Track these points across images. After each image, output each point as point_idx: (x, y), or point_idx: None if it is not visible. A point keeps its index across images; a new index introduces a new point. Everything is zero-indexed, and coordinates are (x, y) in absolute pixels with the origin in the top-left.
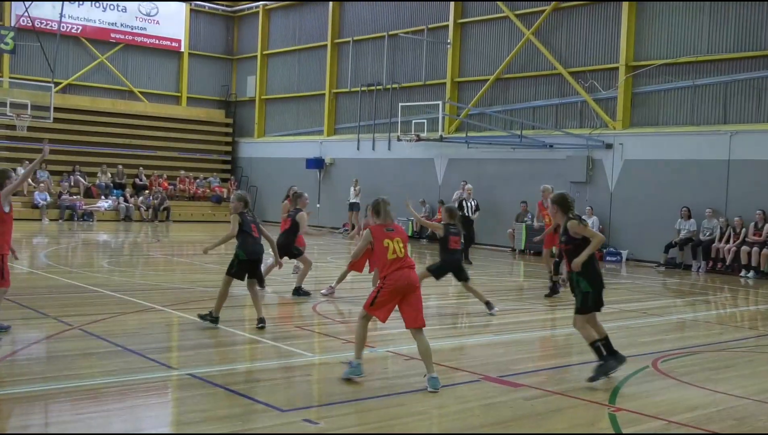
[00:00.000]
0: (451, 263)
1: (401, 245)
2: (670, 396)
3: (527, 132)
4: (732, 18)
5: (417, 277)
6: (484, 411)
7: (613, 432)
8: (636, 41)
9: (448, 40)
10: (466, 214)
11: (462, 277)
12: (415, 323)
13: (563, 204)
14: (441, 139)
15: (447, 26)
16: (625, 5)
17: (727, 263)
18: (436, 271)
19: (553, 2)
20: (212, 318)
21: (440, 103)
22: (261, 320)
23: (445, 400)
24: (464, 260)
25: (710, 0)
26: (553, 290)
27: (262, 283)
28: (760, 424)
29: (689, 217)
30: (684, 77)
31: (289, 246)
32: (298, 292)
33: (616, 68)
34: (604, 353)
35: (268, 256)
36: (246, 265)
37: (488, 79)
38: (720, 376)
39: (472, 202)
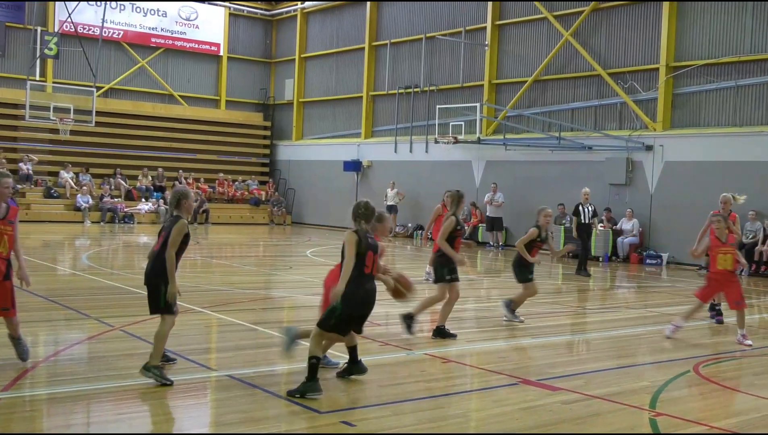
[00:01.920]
0: None
1: None
2: (712, 401)
3: (566, 134)
4: None
5: None
6: (524, 415)
7: None
8: (677, 41)
9: (486, 42)
10: (583, 221)
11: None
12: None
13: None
14: (479, 141)
15: (485, 28)
16: (665, 5)
17: None
18: None
19: (592, 3)
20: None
21: (478, 105)
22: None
23: (484, 403)
24: (581, 272)
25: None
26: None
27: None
28: None
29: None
30: (726, 77)
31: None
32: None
33: (657, 69)
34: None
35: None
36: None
37: (526, 81)
38: (763, 382)
39: (589, 208)
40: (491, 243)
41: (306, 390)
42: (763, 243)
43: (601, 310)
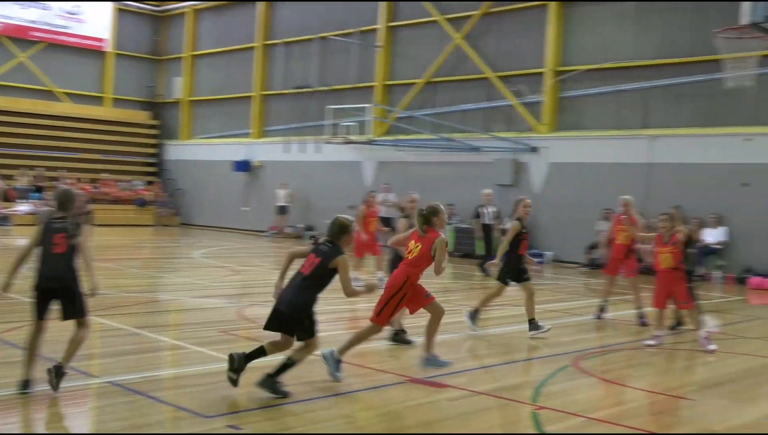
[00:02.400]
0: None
1: None
2: (590, 393)
3: (456, 135)
4: (654, 26)
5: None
6: (410, 413)
7: (536, 431)
8: (562, 46)
9: (378, 43)
10: (484, 222)
11: None
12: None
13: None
14: (370, 142)
15: (377, 29)
16: (552, 11)
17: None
18: None
19: (482, 6)
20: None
21: (369, 106)
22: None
23: (371, 402)
24: (484, 271)
25: (636, 0)
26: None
27: None
28: (673, 419)
29: (606, 220)
30: (607, 83)
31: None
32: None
33: (543, 73)
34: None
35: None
36: None
37: (417, 83)
38: (638, 373)
39: (489, 209)
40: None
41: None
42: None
43: (487, 307)
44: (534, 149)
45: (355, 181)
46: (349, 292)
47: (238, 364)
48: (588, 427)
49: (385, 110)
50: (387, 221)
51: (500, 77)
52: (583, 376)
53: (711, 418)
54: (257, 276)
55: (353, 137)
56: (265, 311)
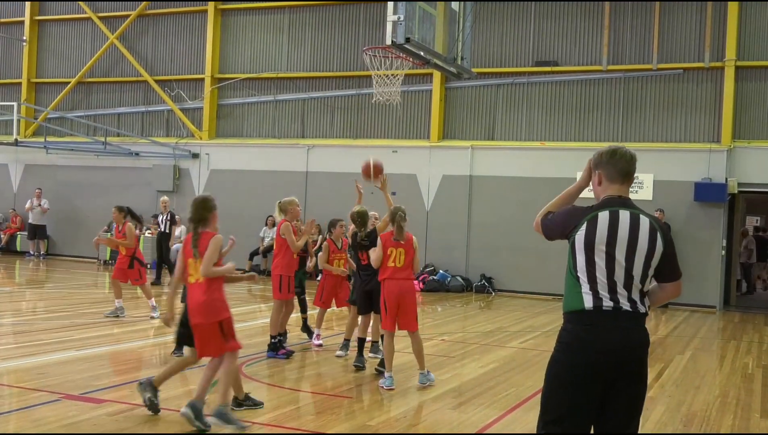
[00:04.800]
0: None
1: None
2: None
3: (112, 139)
4: (307, 40)
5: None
6: (66, 431)
7: None
8: (221, 54)
9: (24, 38)
10: (162, 230)
11: None
12: (410, 327)
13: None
14: (16, 143)
15: (22, 22)
16: (210, 18)
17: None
18: None
19: (139, 7)
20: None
21: (15, 104)
22: None
23: (22, 424)
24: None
25: (291, 3)
26: None
27: None
28: (333, 418)
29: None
30: (266, 92)
31: None
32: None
33: (203, 79)
34: None
35: None
36: None
37: (69, 82)
38: (300, 375)
39: (165, 216)
40: (32, 252)
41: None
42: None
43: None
44: (195, 155)
45: (1, 186)
46: None
47: None
48: (251, 431)
49: (33, 109)
50: (36, 228)
51: (158, 81)
52: (248, 382)
53: (367, 413)
54: None
55: None
56: None
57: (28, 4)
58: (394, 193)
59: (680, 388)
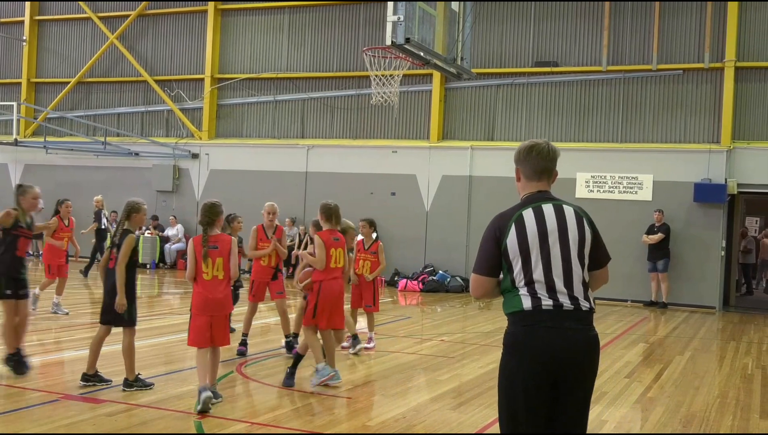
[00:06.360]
0: None
1: (342, 254)
2: (253, 399)
3: (112, 139)
4: (307, 40)
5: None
6: (67, 431)
7: None
8: (221, 54)
9: (24, 37)
10: (101, 227)
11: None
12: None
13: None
14: (15, 142)
15: (22, 22)
16: (210, 18)
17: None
18: None
19: (139, 7)
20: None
21: (14, 104)
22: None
23: (22, 424)
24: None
25: (291, 3)
26: None
27: None
28: (331, 418)
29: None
30: (266, 92)
31: None
32: None
33: (202, 79)
34: None
35: None
36: None
37: (69, 82)
38: (299, 375)
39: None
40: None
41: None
42: (298, 247)
43: (148, 317)
44: (195, 155)
45: (1, 185)
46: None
47: None
48: (250, 431)
49: (32, 109)
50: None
51: (158, 81)
52: (246, 382)
53: (365, 414)
54: None
55: None
56: None
57: (28, 3)
58: (394, 194)
59: (679, 389)
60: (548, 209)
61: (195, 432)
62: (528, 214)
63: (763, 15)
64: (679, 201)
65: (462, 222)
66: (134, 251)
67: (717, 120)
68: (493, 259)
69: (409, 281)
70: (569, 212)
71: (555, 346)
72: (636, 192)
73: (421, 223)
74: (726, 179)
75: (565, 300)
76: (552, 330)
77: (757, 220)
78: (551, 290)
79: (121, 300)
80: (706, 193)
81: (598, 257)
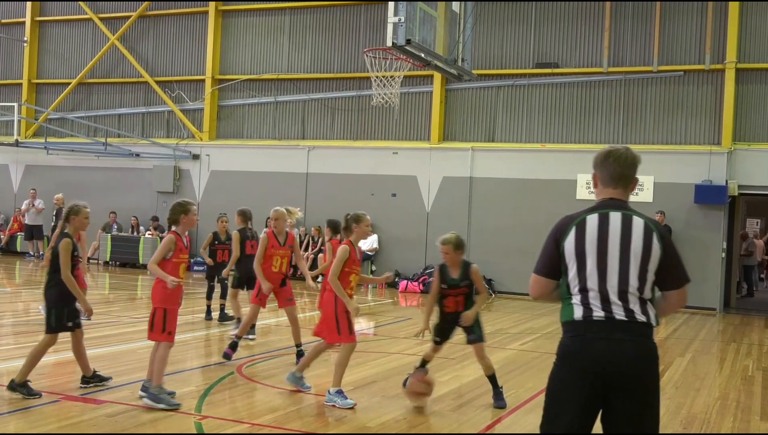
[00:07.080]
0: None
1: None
2: (254, 399)
3: (112, 140)
4: (307, 42)
5: None
6: (66, 431)
7: None
8: (222, 55)
9: (25, 38)
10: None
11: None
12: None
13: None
14: (16, 143)
15: (24, 23)
16: (211, 19)
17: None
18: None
19: (140, 8)
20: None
21: (15, 105)
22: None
23: (21, 425)
24: None
25: (292, 4)
26: None
27: None
28: (331, 420)
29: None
30: (267, 93)
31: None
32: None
33: (203, 80)
34: None
35: None
36: None
37: (70, 83)
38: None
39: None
40: (31, 252)
41: None
42: (300, 247)
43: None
44: (195, 156)
45: (2, 186)
46: None
47: None
48: (251, 432)
49: (33, 110)
50: (33, 229)
51: (159, 82)
52: (247, 383)
53: (365, 415)
54: None
55: None
56: None
57: (29, 4)
58: (394, 195)
59: (680, 391)
60: (615, 217)
61: (195, 433)
62: (591, 219)
63: (764, 16)
64: (680, 202)
65: (463, 223)
66: (74, 251)
67: (718, 121)
68: (550, 260)
69: (409, 282)
70: (638, 223)
71: (604, 357)
72: (637, 193)
73: (422, 224)
74: (727, 181)
75: (618, 311)
76: (602, 341)
77: (757, 222)
78: (605, 301)
79: (85, 305)
80: (706, 194)
81: (667, 277)
